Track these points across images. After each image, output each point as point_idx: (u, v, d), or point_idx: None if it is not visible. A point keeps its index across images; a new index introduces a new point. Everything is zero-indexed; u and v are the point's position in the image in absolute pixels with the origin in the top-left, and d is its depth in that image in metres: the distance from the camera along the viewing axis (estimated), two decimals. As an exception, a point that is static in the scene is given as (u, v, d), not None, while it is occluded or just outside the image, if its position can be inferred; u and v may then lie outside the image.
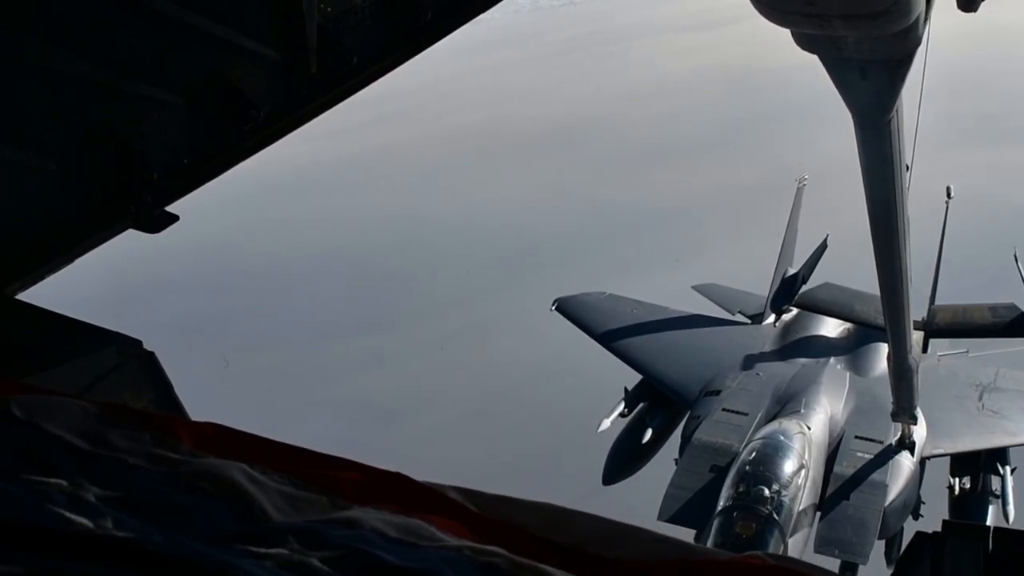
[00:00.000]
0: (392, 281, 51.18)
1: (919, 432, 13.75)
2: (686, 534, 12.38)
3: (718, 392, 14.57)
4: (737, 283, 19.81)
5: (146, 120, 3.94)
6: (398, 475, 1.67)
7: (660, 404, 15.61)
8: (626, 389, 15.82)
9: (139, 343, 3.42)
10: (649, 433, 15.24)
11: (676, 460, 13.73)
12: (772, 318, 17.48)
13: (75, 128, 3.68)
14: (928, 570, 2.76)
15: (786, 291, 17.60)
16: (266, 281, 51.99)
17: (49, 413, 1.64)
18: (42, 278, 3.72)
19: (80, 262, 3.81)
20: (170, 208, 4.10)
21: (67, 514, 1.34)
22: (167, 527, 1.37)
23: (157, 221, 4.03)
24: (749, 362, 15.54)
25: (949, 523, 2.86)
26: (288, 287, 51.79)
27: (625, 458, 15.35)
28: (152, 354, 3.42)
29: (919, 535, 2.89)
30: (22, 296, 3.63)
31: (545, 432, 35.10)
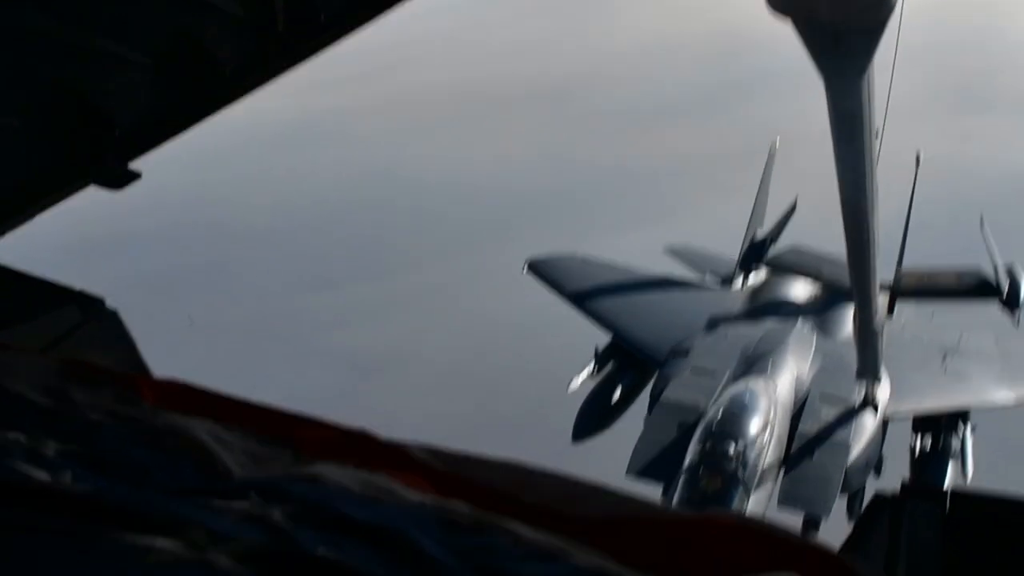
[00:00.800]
0: (367, 237, 50.98)
1: (883, 392, 14.01)
2: (653, 489, 12.60)
3: (687, 352, 14.72)
4: (713, 245, 19.92)
5: (112, 78, 3.92)
6: (362, 432, 1.69)
7: (630, 364, 15.76)
8: (597, 349, 15.96)
9: (102, 301, 3.43)
10: (619, 392, 15.41)
11: (645, 418, 13.91)
12: (741, 280, 17.63)
13: (40, 86, 3.66)
14: (886, 531, 2.85)
15: (754, 253, 17.74)
16: (238, 236, 51.56)
17: (11, 370, 1.65)
18: (3, 234, 3.71)
19: (43, 218, 3.81)
20: (133, 165, 4.09)
21: (25, 467, 1.37)
22: (128, 482, 1.39)
23: (120, 178, 4.02)
24: (718, 324, 15.71)
25: (907, 486, 2.95)
26: (261, 242, 51.43)
27: (595, 416, 15.53)
28: (115, 312, 3.43)
29: (877, 496, 2.97)
30: (-14, 252, 3.63)
31: (517, 390, 35.31)
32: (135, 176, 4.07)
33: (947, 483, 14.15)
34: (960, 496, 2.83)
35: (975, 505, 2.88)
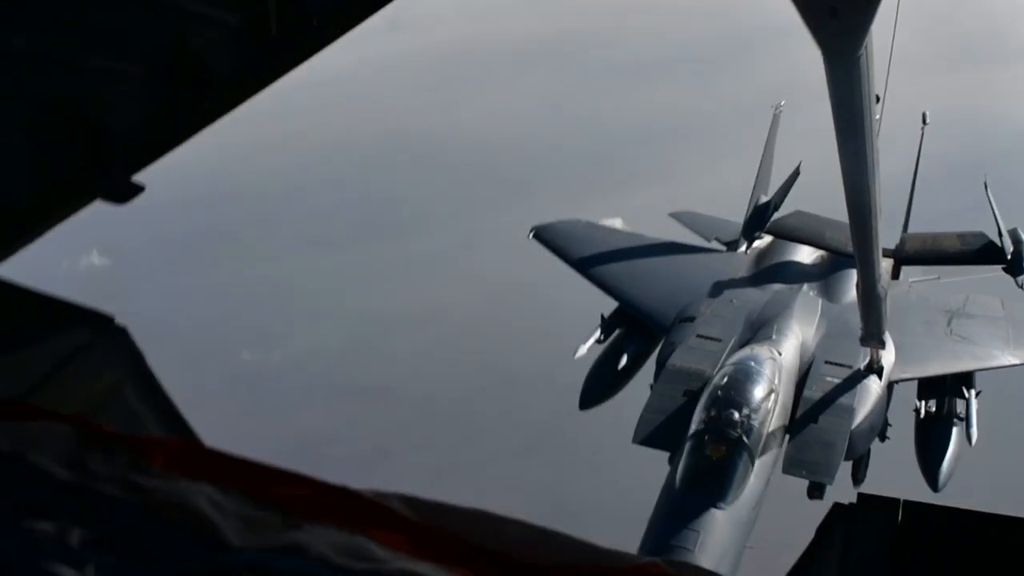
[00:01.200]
0: (379, 197, 51.20)
1: (887, 357, 14.11)
2: (659, 456, 12.79)
3: (692, 319, 14.83)
4: (719, 207, 19.93)
5: (108, 92, 3.98)
6: (344, 489, 1.83)
7: (636, 331, 15.89)
8: (602, 316, 16.08)
9: (111, 319, 3.52)
10: (625, 359, 15.55)
11: (651, 385, 14.07)
12: (746, 245, 17.67)
13: (38, 105, 3.72)
14: (841, 540, 2.96)
15: (758, 218, 17.75)
16: (254, 198, 51.86)
17: (32, 442, 1.79)
18: (13, 253, 3.79)
19: (50, 235, 3.89)
20: (136, 177, 4.16)
21: (56, 568, 1.51)
22: (141, 563, 1.54)
23: (124, 191, 4.10)
24: (723, 289, 15.79)
25: (864, 496, 3.05)
26: (277, 203, 51.72)
27: (601, 383, 15.70)
28: (125, 329, 3.53)
29: (836, 506, 3.08)
30: (-7, 270, 3.71)
31: (523, 355, 35.63)
32: (139, 188, 4.15)
33: (951, 447, 14.30)
34: (912, 506, 2.92)
35: (927, 516, 2.96)
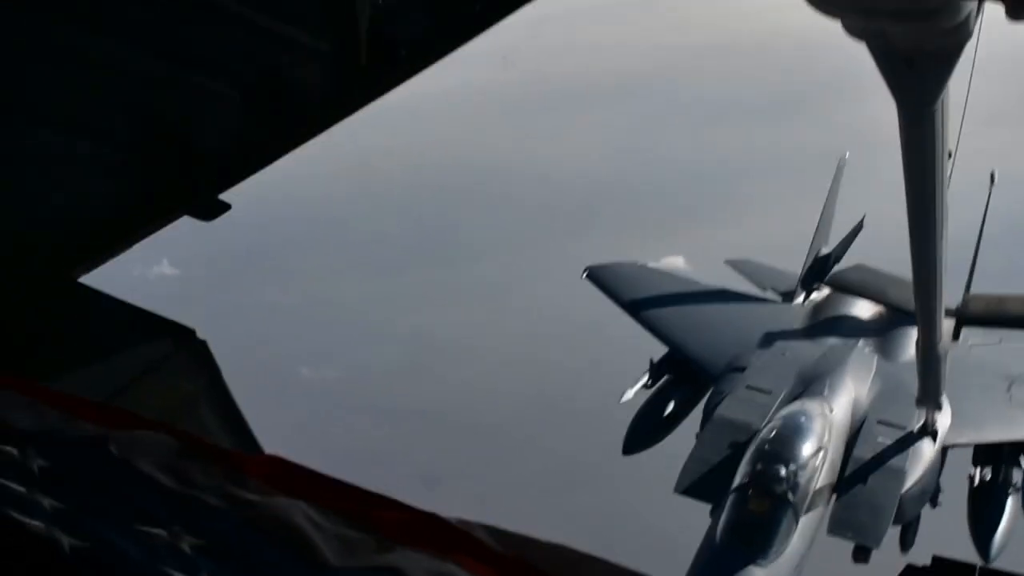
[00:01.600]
0: (444, 221, 51.87)
1: (943, 420, 13.78)
2: (701, 508, 12.62)
3: (743, 369, 14.66)
4: (779, 251, 19.76)
5: (204, 113, 4.13)
6: (433, 516, 1.87)
7: (684, 378, 15.74)
8: (651, 361, 15.98)
9: (192, 332, 3.63)
10: (671, 406, 15.42)
11: (697, 434, 13.92)
12: (803, 297, 17.48)
13: (139, 121, 3.87)
14: None
15: (818, 270, 17.58)
16: (322, 219, 52.86)
17: (139, 450, 1.87)
18: (103, 262, 3.93)
19: (139, 247, 4.03)
20: (223, 196, 4.30)
21: (173, 573, 1.57)
22: (248, 575, 1.61)
23: (211, 209, 4.22)
24: (776, 340, 15.61)
25: (938, 559, 3.00)
26: (344, 224, 52.61)
27: (646, 429, 15.55)
28: (204, 343, 3.63)
29: (908, 568, 3.03)
30: (85, 279, 3.86)
31: (573, 391, 35.55)
32: (225, 207, 4.28)
33: (1006, 518, 13.89)
34: (988, 573, 2.85)
35: None
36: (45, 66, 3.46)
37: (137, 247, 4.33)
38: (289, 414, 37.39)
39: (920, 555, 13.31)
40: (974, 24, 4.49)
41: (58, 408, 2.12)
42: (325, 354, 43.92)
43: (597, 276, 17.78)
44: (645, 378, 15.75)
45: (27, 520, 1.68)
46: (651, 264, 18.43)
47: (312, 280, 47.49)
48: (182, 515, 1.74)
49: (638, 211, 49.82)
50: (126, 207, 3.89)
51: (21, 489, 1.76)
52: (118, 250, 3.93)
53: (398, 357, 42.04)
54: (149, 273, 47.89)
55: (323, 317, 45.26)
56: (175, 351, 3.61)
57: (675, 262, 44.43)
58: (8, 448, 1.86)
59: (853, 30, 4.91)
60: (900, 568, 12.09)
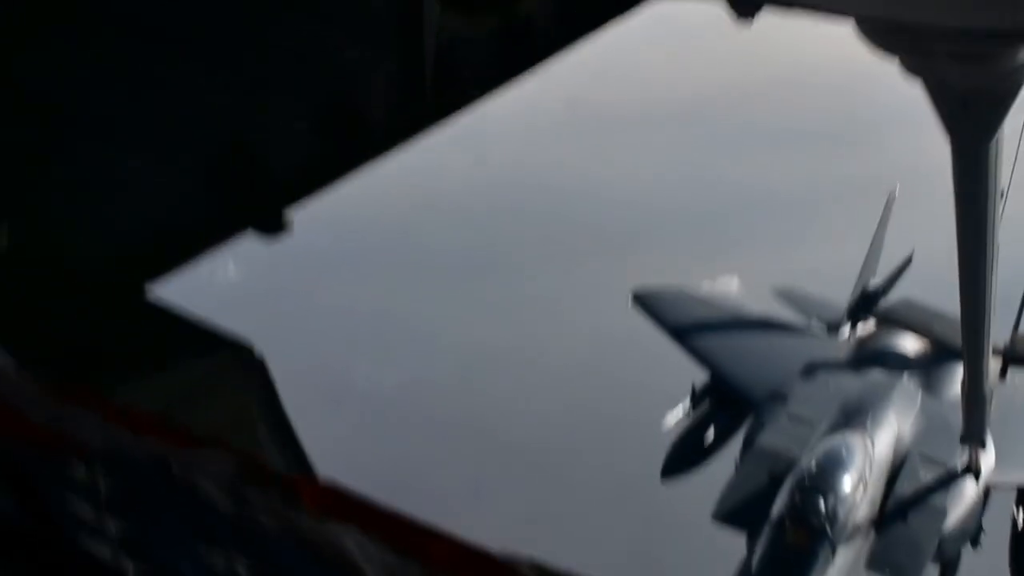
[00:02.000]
0: (494, 238, 52.53)
1: (987, 459, 13.61)
2: (737, 538, 12.58)
3: (785, 399, 14.58)
4: (831, 281, 19.61)
5: (273, 133, 4.32)
6: (478, 549, 1.97)
7: (725, 405, 15.71)
8: (693, 387, 15.97)
9: (251, 349, 3.80)
10: (712, 433, 15.39)
11: (736, 462, 13.88)
12: (848, 329, 17.35)
13: (212, 142, 4.09)
14: None
15: (865, 303, 17.44)
16: (384, 229, 54.04)
17: (200, 471, 2.00)
18: (171, 275, 4.13)
19: (204, 261, 4.22)
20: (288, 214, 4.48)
21: None
22: None
23: (276, 226, 4.41)
24: (820, 371, 15.51)
25: None
26: (404, 235, 53.66)
27: (685, 455, 15.53)
28: (262, 360, 3.80)
29: None
30: (154, 289, 4.06)
31: (617, 412, 35.57)
32: (289, 224, 4.46)
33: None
34: None
35: None
36: (123, 88, 3.70)
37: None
38: (344, 420, 38.42)
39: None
40: None
41: (122, 424, 2.23)
42: (384, 361, 44.90)
43: (643, 300, 17.82)
44: (686, 404, 15.74)
45: (96, 547, 1.80)
46: (704, 287, 18.39)
47: (374, 292, 48.65)
48: (238, 538, 1.84)
49: (693, 233, 49.97)
50: (195, 222, 4.11)
51: (90, 513, 1.87)
52: (186, 263, 4.14)
53: (453, 369, 42.85)
54: (213, 277, 48.95)
55: (382, 328, 46.35)
56: (234, 366, 3.79)
57: (730, 284, 44.88)
58: (77, 468, 1.98)
59: (910, 68, 4.98)
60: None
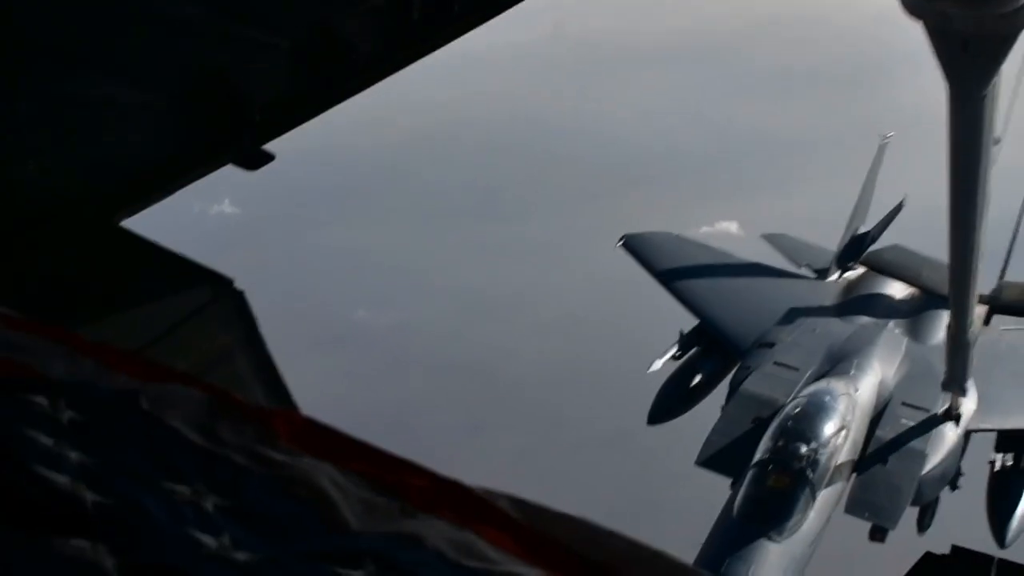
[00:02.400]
0: (502, 180, 52.58)
1: (967, 405, 13.74)
2: (721, 482, 12.71)
3: (772, 345, 14.65)
4: (829, 226, 19.62)
5: (252, 63, 4.17)
6: (457, 483, 1.93)
7: (713, 350, 15.74)
8: (681, 332, 15.98)
9: (231, 282, 3.72)
10: (698, 378, 15.44)
11: (722, 408, 13.97)
12: (837, 275, 17.36)
13: (186, 70, 3.94)
14: None
15: (854, 249, 17.42)
16: (378, 167, 54.11)
17: (169, 404, 1.93)
18: (145, 207, 4.04)
19: (181, 194, 4.13)
20: (268, 147, 4.37)
21: (195, 533, 1.64)
22: (270, 537, 1.67)
23: (256, 159, 4.30)
24: (807, 317, 15.54)
25: (957, 548, 3.02)
26: (397, 174, 53.66)
27: (672, 400, 15.58)
28: (242, 293, 3.72)
29: (927, 556, 3.05)
30: (127, 224, 3.96)
31: (608, 354, 36.12)
32: (270, 157, 4.35)
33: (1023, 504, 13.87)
34: (1007, 566, 2.86)
35: None
36: (89, 12, 3.54)
37: (197, 187, 4.46)
38: (342, 356, 39.64)
39: (935, 537, 13.38)
40: None
41: (90, 357, 2.16)
42: (381, 299, 45.43)
43: (632, 245, 17.74)
44: (674, 349, 15.76)
45: (52, 475, 1.73)
46: (702, 230, 18.35)
47: (368, 226, 48.73)
48: (207, 473, 1.79)
49: (692, 176, 50.09)
50: (170, 154, 3.99)
51: (49, 441, 1.80)
52: (161, 196, 4.03)
53: (447, 308, 43.17)
54: (209, 212, 49.11)
55: (379, 263, 46.61)
56: (211, 301, 3.72)
57: (728, 227, 45.17)
58: (38, 398, 1.90)
59: (912, 9, 4.88)
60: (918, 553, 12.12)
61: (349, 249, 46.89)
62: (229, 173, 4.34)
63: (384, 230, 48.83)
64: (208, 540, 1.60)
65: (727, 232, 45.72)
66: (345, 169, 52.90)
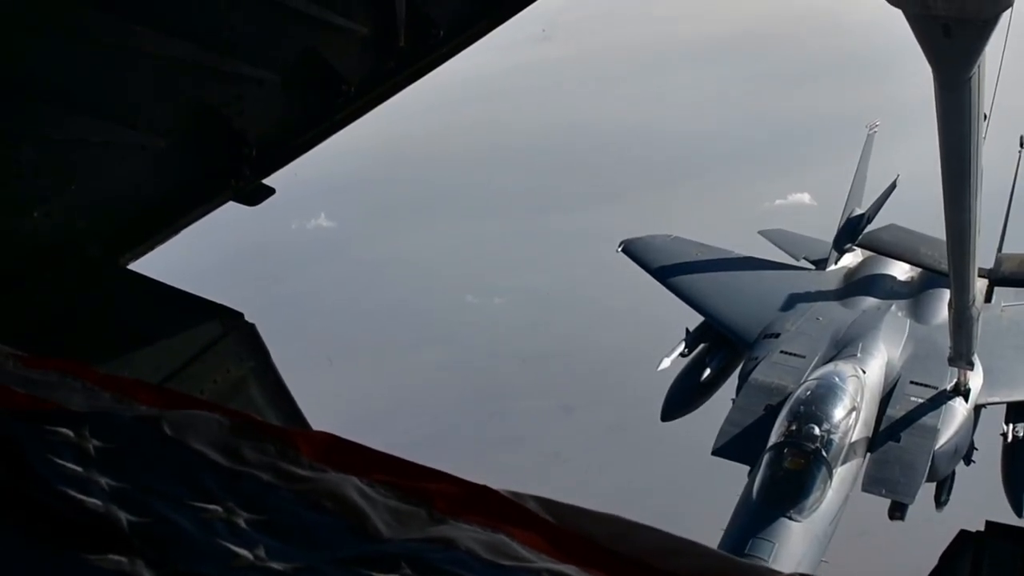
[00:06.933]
0: (552, 173, 54.51)
1: (975, 379, 13.79)
2: (738, 469, 12.77)
3: (777, 335, 14.73)
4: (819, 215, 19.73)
5: (245, 98, 4.23)
6: (483, 488, 1.98)
7: (720, 345, 15.80)
8: (687, 330, 16.05)
9: (240, 315, 3.79)
10: (708, 372, 15.50)
11: (733, 399, 14.03)
12: (836, 259, 17.41)
13: (181, 108, 3.99)
14: (968, 569, 2.93)
15: (851, 230, 17.48)
16: (452, 175, 56.40)
17: (193, 430, 2.01)
18: (151, 249, 4.10)
19: (184, 233, 4.20)
20: (267, 180, 4.44)
21: (229, 546, 1.71)
22: (304, 548, 1.74)
23: (255, 194, 4.36)
24: (809, 306, 15.61)
25: (992, 524, 3.02)
26: (470, 179, 55.89)
27: (684, 396, 15.65)
28: (253, 326, 3.79)
29: (962, 533, 3.04)
30: (133, 266, 4.03)
31: (615, 355, 37.00)
32: (270, 191, 4.41)
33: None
34: None
35: None
36: (85, 54, 3.62)
37: (295, 203, 4.50)
38: (456, 336, 43.67)
39: (955, 510, 13.46)
40: None
41: (111, 390, 2.23)
42: (485, 286, 48.64)
43: (631, 250, 17.84)
44: (682, 346, 15.83)
45: (85, 498, 1.79)
46: (776, 203, 18.49)
47: (456, 222, 51.68)
48: (235, 491, 1.85)
49: (753, 159, 52.04)
50: (171, 193, 4.06)
51: (78, 469, 1.86)
52: (165, 237, 4.11)
53: (527, 300, 46.08)
54: (307, 226, 52.80)
55: (474, 254, 49.15)
56: (223, 335, 3.79)
57: (801, 198, 48.61)
58: (63, 429, 1.97)
59: None
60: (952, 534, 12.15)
61: (449, 244, 49.09)
62: (228, 208, 4.41)
63: (470, 226, 51.67)
64: (243, 552, 1.68)
65: (801, 203, 48.81)
66: (424, 183, 55.87)
